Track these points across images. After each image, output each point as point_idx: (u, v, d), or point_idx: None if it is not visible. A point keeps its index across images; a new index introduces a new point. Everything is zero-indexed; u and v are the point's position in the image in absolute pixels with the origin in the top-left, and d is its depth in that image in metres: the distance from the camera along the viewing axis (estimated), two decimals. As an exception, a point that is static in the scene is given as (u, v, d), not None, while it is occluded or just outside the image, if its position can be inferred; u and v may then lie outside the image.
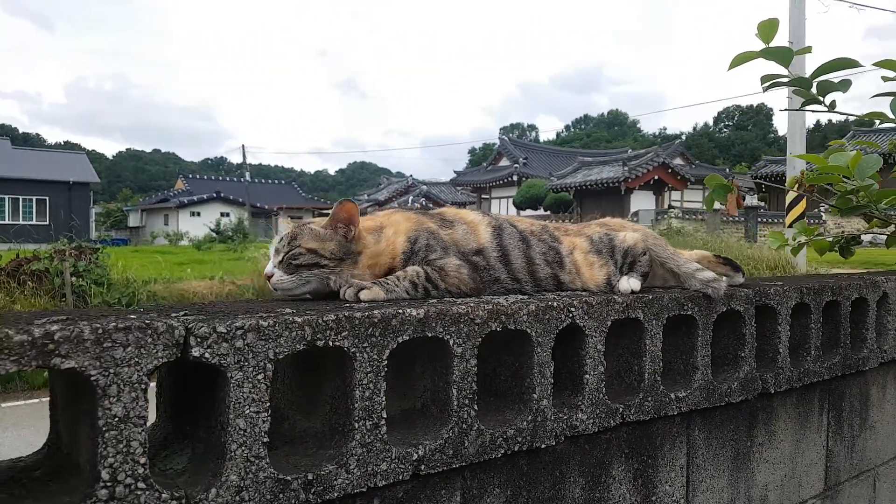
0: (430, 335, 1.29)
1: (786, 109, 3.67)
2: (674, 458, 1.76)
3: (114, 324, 0.98)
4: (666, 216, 27.91)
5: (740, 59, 3.00)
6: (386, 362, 1.23)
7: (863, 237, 3.78)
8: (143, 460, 1.00)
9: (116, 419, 0.97)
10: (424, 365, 1.42)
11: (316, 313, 1.18)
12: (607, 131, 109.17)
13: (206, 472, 1.12)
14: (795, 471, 2.10)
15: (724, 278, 1.87)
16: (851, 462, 2.32)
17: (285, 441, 1.29)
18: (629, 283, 1.68)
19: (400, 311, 1.26)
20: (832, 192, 3.56)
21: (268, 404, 1.11)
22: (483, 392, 1.44)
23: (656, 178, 36.29)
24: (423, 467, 1.28)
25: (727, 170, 48.18)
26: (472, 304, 1.36)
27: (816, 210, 24.23)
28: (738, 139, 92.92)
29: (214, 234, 32.08)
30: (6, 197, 36.80)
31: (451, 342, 1.32)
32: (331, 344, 1.17)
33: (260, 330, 1.10)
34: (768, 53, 2.87)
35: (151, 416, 1.08)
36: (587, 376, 1.54)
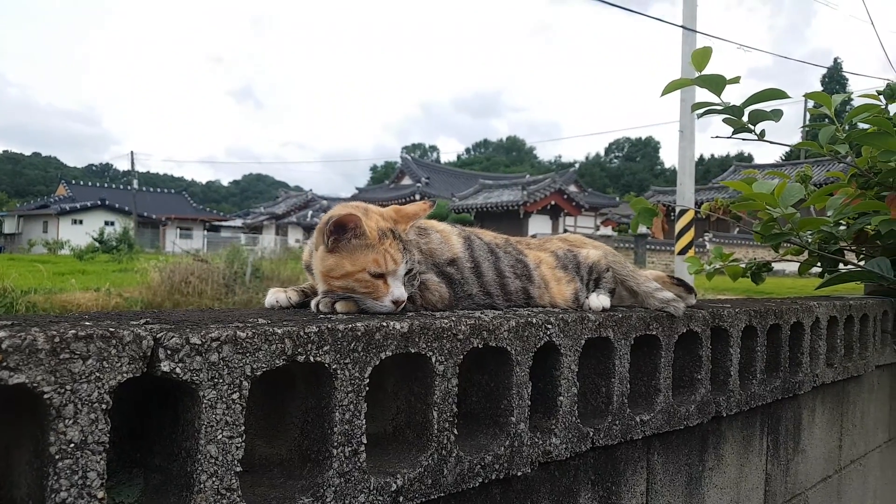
0: (413, 351, 1.18)
1: (718, 137, 3.78)
2: (635, 484, 1.71)
3: (72, 332, 0.82)
4: (561, 241, 28.71)
5: (674, 86, 3.06)
6: (367, 381, 1.11)
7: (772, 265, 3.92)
8: (100, 494, 0.84)
9: (72, 445, 0.81)
10: (397, 384, 1.30)
11: (296, 324, 1.05)
12: (506, 156, 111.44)
13: (167, 506, 0.96)
14: (739, 496, 2.09)
15: (679, 299, 1.85)
16: (786, 486, 2.34)
17: (245, 469, 1.14)
18: (600, 301, 1.62)
19: (384, 324, 1.14)
20: (746, 219, 3.67)
21: (242, 428, 0.98)
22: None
23: (553, 203, 37.38)
24: (401, 499, 1.16)
25: (617, 198, 50.03)
26: (454, 319, 1.26)
27: (700, 239, 25.40)
28: (628, 169, 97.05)
29: (98, 244, 30.42)
30: None
31: (434, 359, 1.21)
32: (312, 359, 1.04)
33: (237, 342, 0.96)
34: (702, 81, 2.93)
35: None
36: (561, 398, 1.46)
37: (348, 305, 1.27)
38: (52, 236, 42.35)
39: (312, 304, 1.31)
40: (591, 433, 1.53)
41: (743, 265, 3.73)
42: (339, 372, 1.07)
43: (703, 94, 3.06)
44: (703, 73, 2.85)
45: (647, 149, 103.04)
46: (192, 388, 0.92)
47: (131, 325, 0.94)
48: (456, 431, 1.24)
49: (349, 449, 1.09)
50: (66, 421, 0.81)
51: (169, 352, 0.90)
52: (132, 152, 50.68)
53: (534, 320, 1.38)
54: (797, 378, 2.31)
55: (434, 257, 1.45)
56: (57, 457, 0.80)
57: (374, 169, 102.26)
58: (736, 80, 2.90)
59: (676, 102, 12.54)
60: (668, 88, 3.01)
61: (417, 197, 44.47)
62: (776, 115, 2.76)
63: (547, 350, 1.44)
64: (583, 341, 1.49)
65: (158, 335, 0.90)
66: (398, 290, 1.26)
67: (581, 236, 1.89)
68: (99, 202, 47.69)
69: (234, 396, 0.96)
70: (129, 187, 52.75)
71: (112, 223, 39.61)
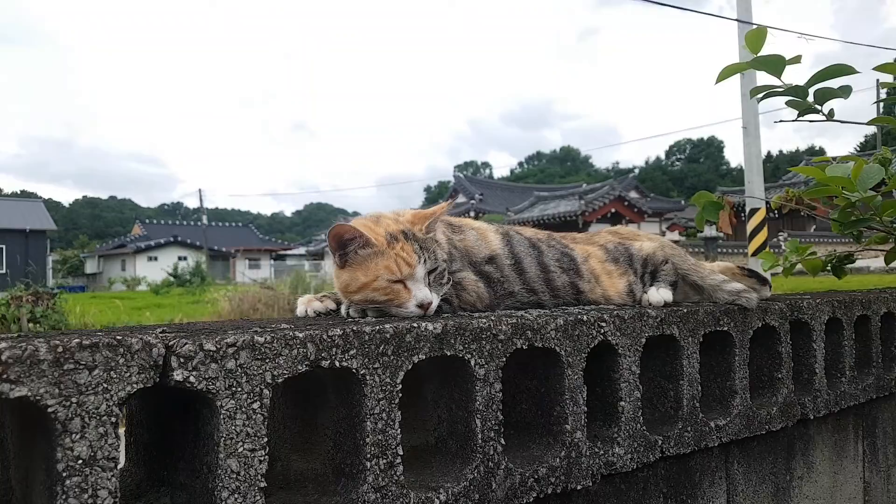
0: (448, 353, 1.10)
1: (781, 121, 3.58)
2: (714, 496, 1.57)
3: (77, 341, 0.78)
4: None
5: (729, 72, 2.89)
6: (400, 387, 1.04)
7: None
8: (112, 513, 0.79)
9: (80, 462, 0.77)
10: (438, 391, 1.23)
11: (319, 328, 0.99)
12: (560, 167, 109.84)
13: (191, 525, 0.91)
14: (835, 505, 1.92)
15: (752, 291, 1.71)
16: (888, 495, 2.14)
17: (280, 486, 1.09)
18: (660, 294, 1.51)
19: (415, 325, 1.07)
20: (822, 208, 3.45)
21: (265, 440, 0.92)
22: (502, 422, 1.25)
23: (613, 210, 36.51)
24: (446, 513, 1.08)
25: (682, 202, 48.49)
26: (493, 318, 1.18)
27: (775, 239, 24.36)
28: (691, 171, 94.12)
29: (172, 278, 31.57)
30: (-38, 247, 35.92)
31: (473, 362, 1.13)
32: (337, 364, 0.98)
33: (255, 347, 0.91)
34: (759, 63, 2.77)
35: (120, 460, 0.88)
36: (622, 403, 1.35)
37: (378, 310, 1.21)
38: (130, 273, 44.13)
39: (342, 309, 1.25)
40: (660, 441, 1.42)
41: (822, 258, 3.51)
42: (367, 377, 1.01)
43: (762, 82, 2.90)
44: (760, 54, 2.69)
45: (710, 149, 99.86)
46: (208, 397, 0.87)
47: (145, 332, 0.90)
48: (503, 441, 1.16)
49: (384, 461, 1.02)
50: (73, 436, 0.77)
51: (182, 359, 0.85)
52: (200, 190, 52.55)
53: (585, 318, 1.29)
54: (893, 374, 2.12)
55: (471, 255, 1.38)
56: (64, 474, 0.76)
57: (427, 189, 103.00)
58: (797, 59, 2.73)
59: (737, 98, 12.07)
60: (723, 74, 2.84)
61: (472, 214, 44.34)
62: (845, 91, 2.57)
63: (602, 350, 1.35)
64: (643, 340, 1.39)
65: (170, 342, 0.85)
66: (421, 293, 1.19)
67: (632, 229, 1.78)
68: (172, 239, 49.72)
69: (255, 406, 0.90)
70: (199, 223, 54.66)
71: (185, 258, 40.94)
